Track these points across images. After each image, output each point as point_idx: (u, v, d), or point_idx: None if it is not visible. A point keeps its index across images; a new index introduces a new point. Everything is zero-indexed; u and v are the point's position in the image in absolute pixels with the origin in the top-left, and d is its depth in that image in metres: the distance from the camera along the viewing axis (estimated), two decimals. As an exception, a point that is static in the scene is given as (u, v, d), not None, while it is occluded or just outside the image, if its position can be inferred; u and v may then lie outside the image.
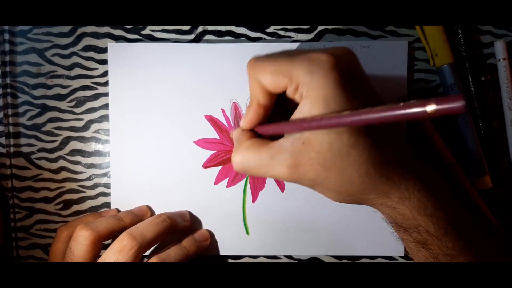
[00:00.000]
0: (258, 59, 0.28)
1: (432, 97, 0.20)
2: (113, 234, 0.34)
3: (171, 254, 0.34)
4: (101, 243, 0.33)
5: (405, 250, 0.37)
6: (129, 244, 0.32)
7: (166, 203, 0.38)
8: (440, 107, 0.19)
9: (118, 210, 0.38)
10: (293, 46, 0.37)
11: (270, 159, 0.27)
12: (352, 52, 0.28)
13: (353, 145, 0.25)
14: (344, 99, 0.25)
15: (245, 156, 0.28)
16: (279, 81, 0.26)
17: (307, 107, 0.26)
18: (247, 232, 0.38)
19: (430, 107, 0.19)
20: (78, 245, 0.33)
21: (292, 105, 0.28)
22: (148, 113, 0.37)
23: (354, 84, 0.26)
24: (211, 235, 0.38)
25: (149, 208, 0.38)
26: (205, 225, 0.38)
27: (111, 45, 0.37)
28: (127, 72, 0.37)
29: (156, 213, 0.37)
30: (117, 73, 0.37)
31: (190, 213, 0.38)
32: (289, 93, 0.27)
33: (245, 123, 0.30)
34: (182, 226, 0.36)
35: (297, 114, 0.26)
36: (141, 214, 0.36)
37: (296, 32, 0.38)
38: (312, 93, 0.25)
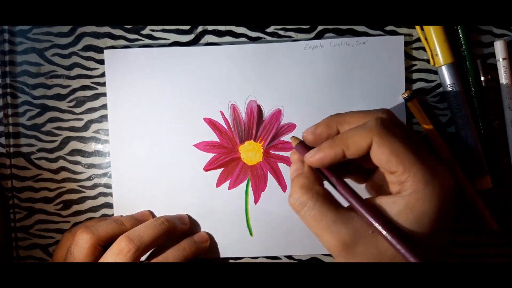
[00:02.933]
0: (391, 127, 0.26)
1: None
2: (113, 238, 0.34)
3: (169, 256, 0.34)
4: (101, 246, 0.34)
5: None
6: (126, 247, 0.32)
7: (168, 207, 0.37)
8: None
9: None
10: (292, 45, 0.37)
11: (332, 222, 0.26)
12: (454, 178, 0.27)
13: None
14: (436, 224, 0.25)
15: (311, 201, 0.26)
16: (392, 163, 0.25)
17: (398, 208, 0.25)
18: (251, 234, 0.38)
19: None
20: (78, 248, 0.33)
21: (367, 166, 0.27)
22: (147, 117, 0.37)
23: (447, 212, 0.26)
24: (210, 237, 0.38)
25: (151, 213, 0.38)
26: (209, 228, 0.38)
27: (108, 52, 0.37)
28: (124, 77, 0.37)
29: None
30: (115, 79, 0.37)
31: (190, 217, 0.38)
32: (390, 178, 0.26)
33: (313, 159, 0.27)
34: (181, 229, 0.36)
35: (382, 203, 0.26)
36: (143, 219, 0.37)
37: (296, 32, 0.38)
38: (414, 201, 0.24)
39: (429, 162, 0.25)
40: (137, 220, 0.36)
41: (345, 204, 0.28)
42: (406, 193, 0.25)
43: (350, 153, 0.26)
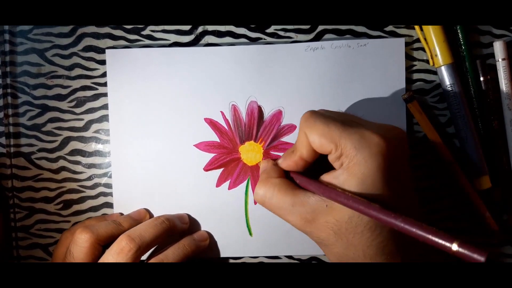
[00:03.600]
0: (313, 116, 0.29)
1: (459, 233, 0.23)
2: (113, 238, 0.34)
3: (169, 254, 0.34)
4: (100, 246, 0.34)
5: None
6: (127, 246, 0.32)
7: (168, 207, 0.38)
8: (462, 251, 0.22)
9: (122, 214, 0.38)
10: (294, 46, 0.37)
11: (291, 205, 0.29)
12: (404, 136, 0.29)
13: (371, 228, 0.27)
14: (381, 183, 0.27)
15: (269, 192, 0.30)
16: (325, 144, 0.28)
17: (343, 178, 0.27)
18: (250, 234, 0.38)
19: (455, 247, 0.22)
20: (77, 247, 0.33)
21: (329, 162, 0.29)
22: (148, 117, 0.37)
23: (394, 171, 0.27)
24: (210, 236, 0.38)
25: (148, 211, 0.38)
26: (208, 228, 0.38)
27: (109, 51, 0.37)
28: (126, 77, 0.37)
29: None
30: (116, 79, 0.37)
31: (189, 216, 0.38)
32: (331, 158, 0.28)
33: (282, 166, 0.31)
34: (181, 228, 0.36)
35: (330, 178, 0.28)
36: (140, 218, 0.37)
37: (296, 32, 0.38)
38: (352, 167, 0.27)
39: (355, 130, 0.27)
40: (134, 219, 0.36)
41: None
42: (345, 165, 0.27)
43: (307, 156, 0.30)
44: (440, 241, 0.23)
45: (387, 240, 0.27)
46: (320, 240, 0.29)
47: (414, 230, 0.24)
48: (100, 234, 0.33)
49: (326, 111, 0.31)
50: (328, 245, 0.28)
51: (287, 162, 0.31)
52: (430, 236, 0.23)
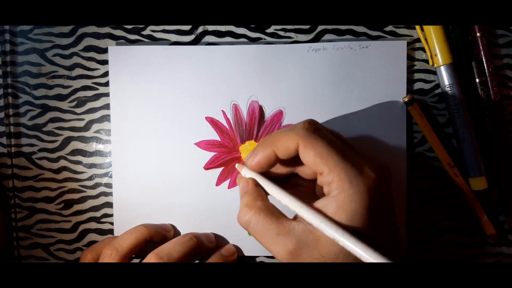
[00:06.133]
0: (317, 129, 0.28)
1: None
2: (138, 247, 0.34)
3: None
4: (128, 260, 0.34)
5: (406, 250, 0.37)
6: None
7: (168, 206, 0.38)
8: None
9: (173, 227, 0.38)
10: (295, 47, 0.37)
11: (276, 235, 0.27)
12: (389, 172, 0.29)
13: None
14: (368, 219, 0.25)
15: (254, 218, 0.28)
16: (317, 164, 0.26)
17: (332, 208, 0.26)
18: (249, 233, 0.38)
19: None
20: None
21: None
22: (149, 115, 0.37)
23: (381, 207, 0.26)
24: (237, 249, 0.37)
25: (174, 227, 0.38)
26: (207, 227, 0.38)
27: (112, 48, 0.37)
28: (128, 75, 0.37)
29: (159, 219, 0.37)
30: (118, 76, 0.37)
31: (215, 235, 0.38)
32: (320, 180, 0.27)
33: (253, 163, 0.29)
34: (208, 247, 0.36)
35: (319, 205, 0.27)
36: (166, 230, 0.37)
37: (296, 32, 0.38)
38: (343, 200, 0.25)
39: (353, 162, 0.26)
40: (158, 226, 0.36)
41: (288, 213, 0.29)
42: (334, 194, 0.26)
43: (281, 154, 0.28)
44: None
45: None
46: None
47: None
48: (125, 249, 0.33)
49: (327, 129, 0.30)
50: None
51: (258, 158, 0.28)
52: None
